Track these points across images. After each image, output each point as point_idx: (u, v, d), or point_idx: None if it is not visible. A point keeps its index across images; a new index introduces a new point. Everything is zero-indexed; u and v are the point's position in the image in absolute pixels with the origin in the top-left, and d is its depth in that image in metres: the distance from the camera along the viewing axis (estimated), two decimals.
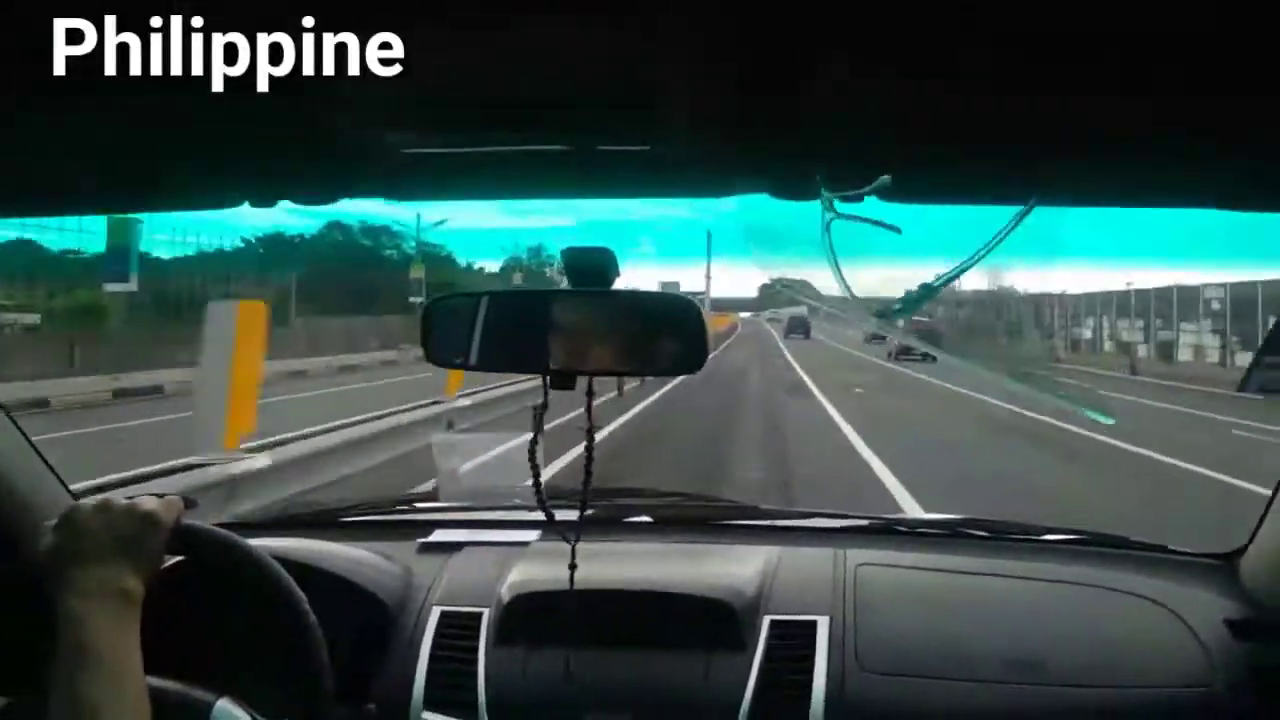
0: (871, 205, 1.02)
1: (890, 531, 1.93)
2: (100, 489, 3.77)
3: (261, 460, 5.22)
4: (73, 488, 1.66)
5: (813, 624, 1.55)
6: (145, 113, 0.94)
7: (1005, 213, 1.01)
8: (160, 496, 1.14)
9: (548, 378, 1.24)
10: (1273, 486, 1.57)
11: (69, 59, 0.82)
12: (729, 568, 1.70)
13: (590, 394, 1.30)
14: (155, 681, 1.20)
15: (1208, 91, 0.85)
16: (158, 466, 4.93)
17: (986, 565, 1.72)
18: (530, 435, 1.30)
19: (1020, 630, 1.56)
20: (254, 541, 1.26)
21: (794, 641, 1.53)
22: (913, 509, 8.04)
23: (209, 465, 4.86)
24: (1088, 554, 1.78)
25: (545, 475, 1.36)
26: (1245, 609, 1.54)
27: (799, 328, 50.54)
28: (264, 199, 1.19)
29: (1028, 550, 1.80)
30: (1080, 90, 0.85)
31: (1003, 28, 0.76)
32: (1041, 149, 1.00)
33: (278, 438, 5.88)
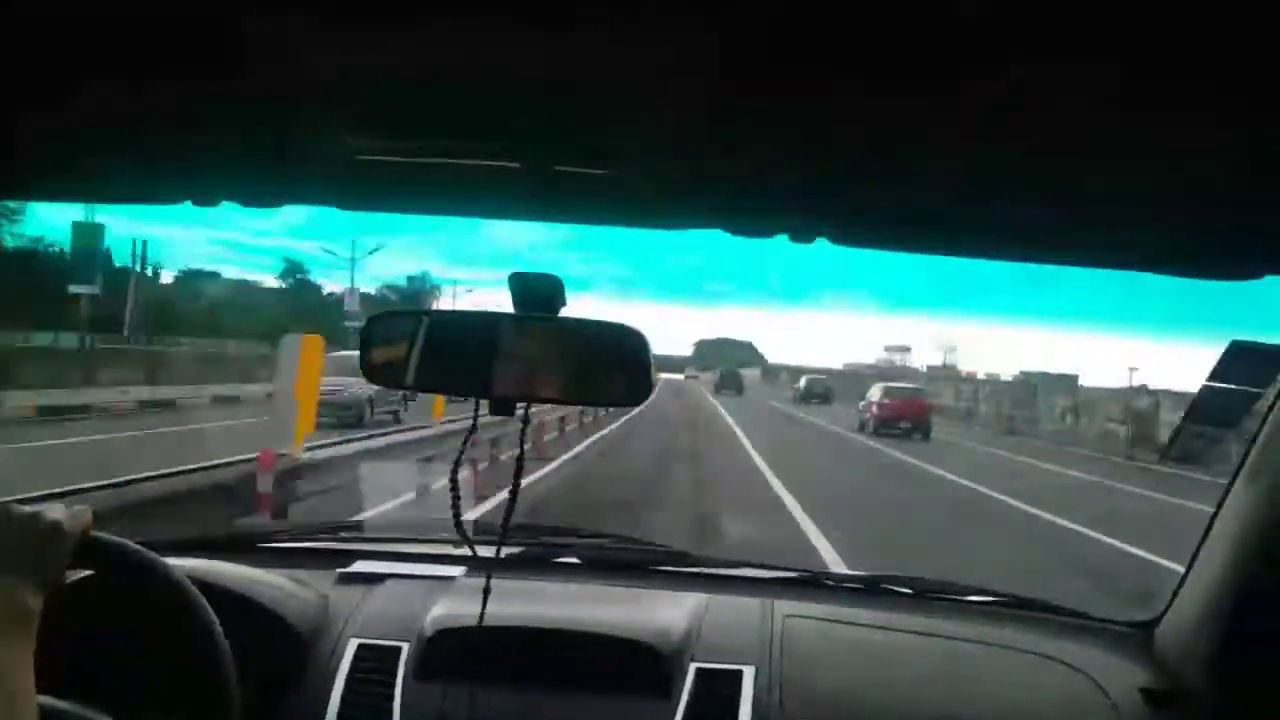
0: (823, 247, 1.03)
1: (817, 584, 1.93)
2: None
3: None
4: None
5: (739, 673, 1.54)
6: (90, 101, 0.91)
7: (957, 264, 1.03)
8: (68, 506, 1.08)
9: (482, 403, 1.22)
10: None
11: (18, 40, 0.79)
12: (656, 612, 1.67)
13: (525, 421, 1.28)
14: (50, 701, 1.14)
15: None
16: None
17: (909, 623, 1.72)
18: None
19: (940, 689, 1.57)
20: (169, 561, 1.21)
21: (719, 690, 1.51)
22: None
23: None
24: (1009, 616, 1.80)
25: (487, 507, 1.33)
26: (1160, 678, 1.56)
27: (730, 383, 49.75)
28: (206, 197, 1.15)
29: (950, 609, 1.82)
30: (1047, 150, 0.87)
31: (975, 74, 0.77)
32: (997, 204, 1.02)
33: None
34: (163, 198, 1.20)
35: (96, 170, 1.13)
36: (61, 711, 1.13)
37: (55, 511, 1.02)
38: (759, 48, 0.76)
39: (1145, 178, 0.93)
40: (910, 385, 31.18)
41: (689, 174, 1.01)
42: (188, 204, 1.14)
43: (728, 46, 0.75)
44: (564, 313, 1.18)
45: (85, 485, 5.22)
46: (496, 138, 0.94)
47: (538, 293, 1.17)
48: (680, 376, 61.85)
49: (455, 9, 0.73)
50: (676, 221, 1.15)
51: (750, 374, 62.77)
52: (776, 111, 0.85)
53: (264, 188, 1.14)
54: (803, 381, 46.09)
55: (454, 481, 1.28)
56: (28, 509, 1.00)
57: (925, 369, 58.91)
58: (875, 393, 27.05)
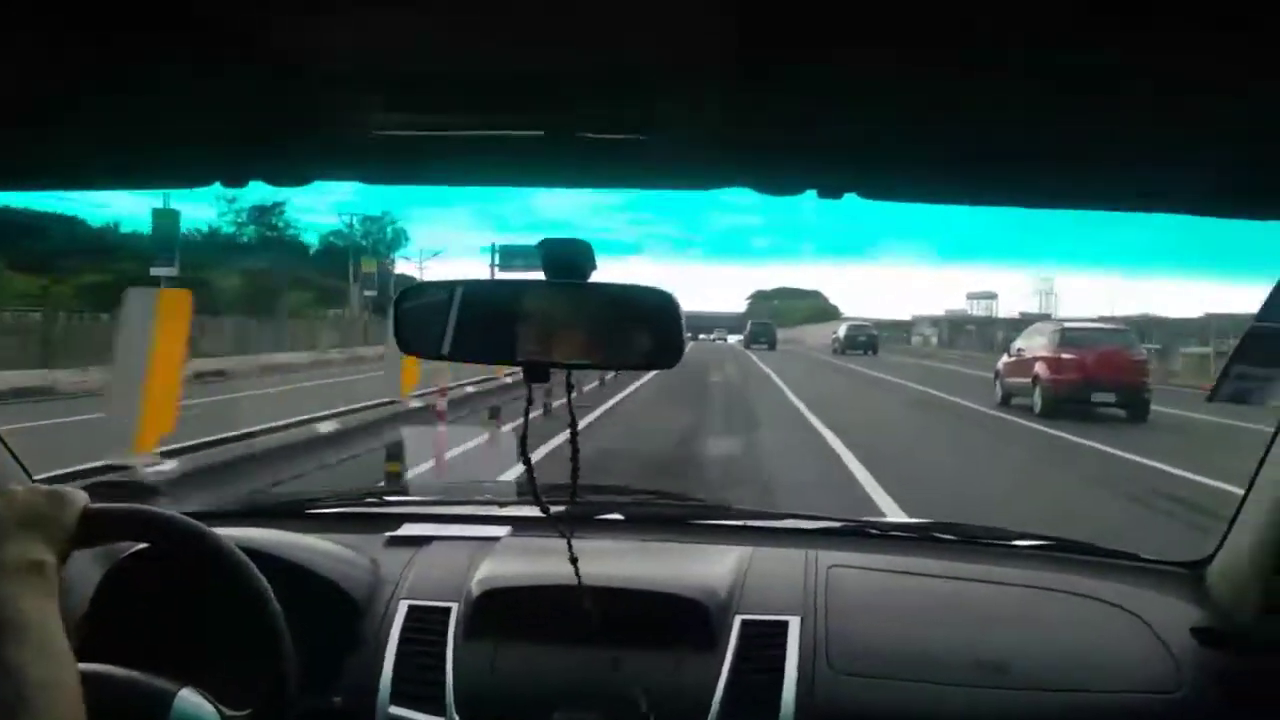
0: (851, 202, 1.01)
1: (862, 534, 1.93)
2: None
3: (170, 465, 4.46)
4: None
5: (784, 624, 1.55)
6: (116, 90, 0.92)
7: (991, 214, 1.02)
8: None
9: (524, 370, 1.23)
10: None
11: (40, 35, 0.79)
12: (701, 567, 1.69)
13: (570, 386, 1.28)
14: (117, 671, 1.18)
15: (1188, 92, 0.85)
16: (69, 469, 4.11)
17: (956, 569, 1.72)
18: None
19: (988, 634, 1.57)
20: (220, 530, 1.24)
21: (765, 641, 1.53)
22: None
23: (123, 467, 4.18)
24: (1057, 560, 1.79)
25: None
26: (1211, 617, 1.55)
27: (761, 336, 45.72)
28: (236, 179, 1.16)
29: (997, 555, 1.81)
30: (1077, 91, 0.85)
31: (1002, 27, 0.75)
32: (1032, 153, 1.00)
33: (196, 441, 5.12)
34: (193, 180, 1.21)
35: (129, 156, 1.14)
36: (130, 680, 1.17)
37: (55, 487, 1.09)
38: (783, 4, 0.74)
39: (1193, 119, 0.90)
40: (1104, 326, 18.21)
41: (713, 136, 1.00)
42: (217, 184, 1.15)
43: (745, 4, 0.74)
44: (602, 276, 1.17)
45: None
46: (518, 108, 0.93)
47: (568, 258, 1.17)
48: (710, 337, 55.86)
49: None
50: (702, 182, 1.14)
51: (818, 330, 54.00)
52: (800, 68, 0.83)
53: (290, 166, 1.14)
54: (842, 329, 40.96)
55: (523, 446, 1.29)
56: (23, 487, 1.06)
57: (1020, 315, 47.60)
58: (1037, 340, 15.73)
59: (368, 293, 38.33)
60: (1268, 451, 1.49)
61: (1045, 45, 0.78)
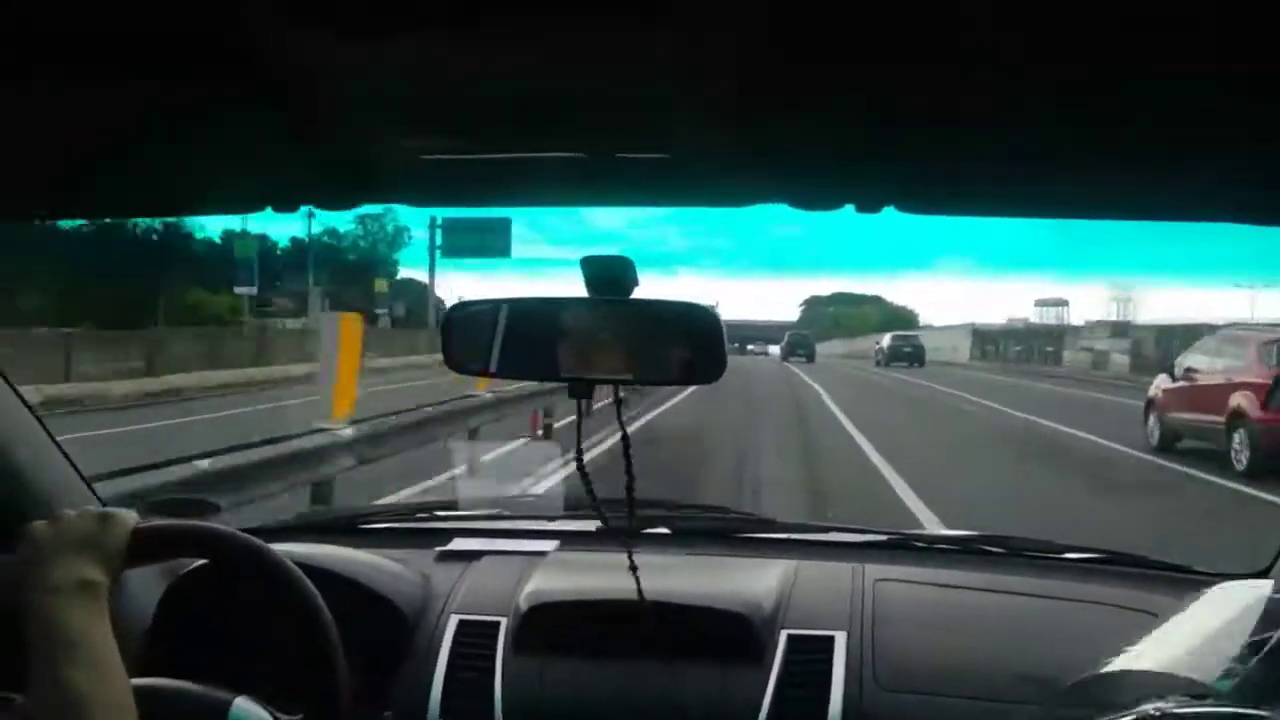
0: (890, 215, 1.02)
1: (908, 547, 1.92)
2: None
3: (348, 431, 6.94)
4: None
5: (830, 639, 1.54)
6: (168, 118, 0.96)
7: (1024, 226, 1.01)
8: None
9: (570, 387, 1.25)
10: None
11: (96, 65, 0.83)
12: (746, 581, 1.69)
13: (619, 401, 1.30)
14: (174, 684, 1.22)
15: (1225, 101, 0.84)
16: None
17: (1004, 583, 1.70)
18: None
19: (1038, 650, 1.55)
20: (275, 546, 1.28)
21: (811, 656, 1.52)
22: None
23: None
24: (1107, 573, 1.76)
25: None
26: (1269, 629, 1.52)
27: (800, 347, 42.37)
28: (286, 203, 1.20)
29: (1046, 568, 1.79)
30: (1118, 100, 0.85)
31: (1035, 35, 0.76)
32: (1067, 164, 1.00)
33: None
34: (246, 206, 1.26)
35: (184, 185, 1.19)
36: (186, 691, 1.21)
37: (102, 509, 1.13)
38: (813, 18, 0.75)
39: (1229, 130, 0.89)
40: None
41: (749, 153, 1.01)
42: (269, 210, 1.19)
43: (779, 20, 0.75)
44: (651, 289, 1.19)
45: None
46: (557, 130, 0.96)
47: (610, 275, 1.19)
48: (754, 350, 50.60)
49: (507, 10, 0.74)
50: (739, 199, 1.15)
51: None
52: (833, 84, 0.85)
53: (337, 192, 1.18)
54: (886, 340, 38.30)
55: (580, 461, 1.30)
56: (75, 512, 1.09)
57: (1023, 325, 47.13)
58: (1228, 358, 10.77)
59: (380, 310, 38.28)
60: None
61: (1075, 60, 0.78)
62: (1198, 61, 0.78)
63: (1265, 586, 1.60)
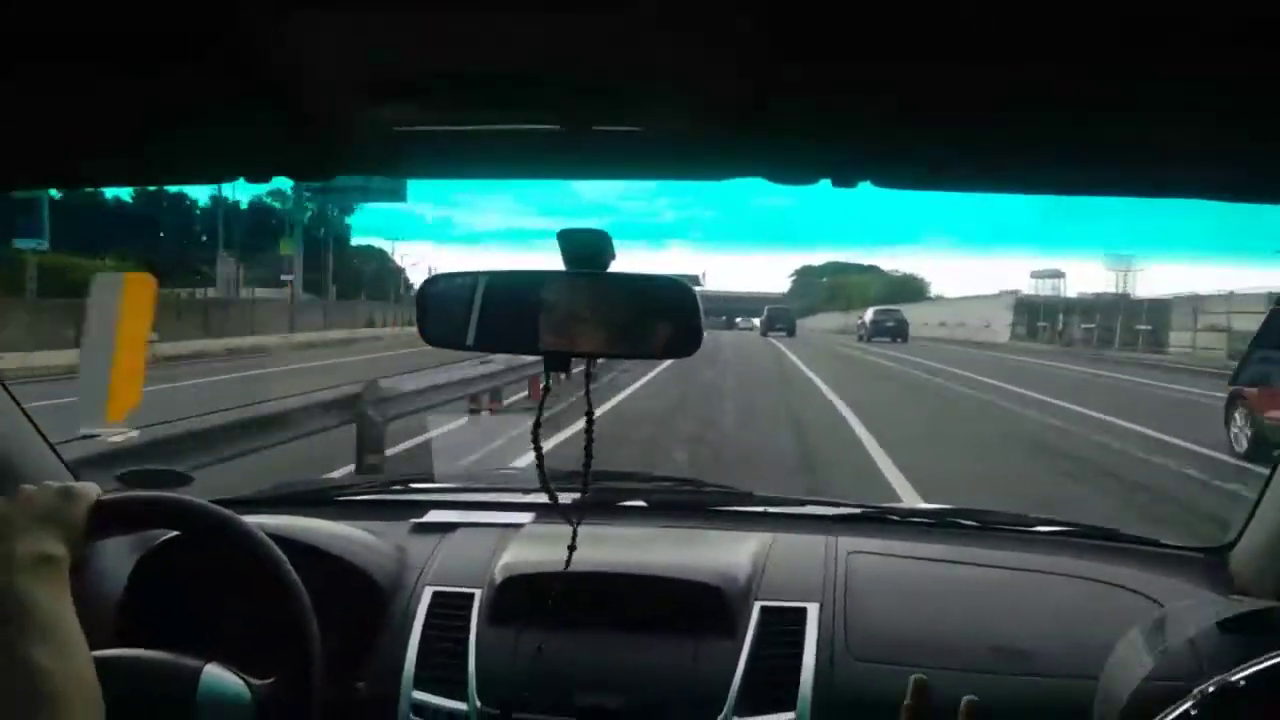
0: (866, 190, 1.02)
1: (881, 520, 1.94)
2: None
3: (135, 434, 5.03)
4: None
5: (803, 610, 1.56)
6: (142, 88, 0.94)
7: (1006, 201, 1.02)
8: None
9: (544, 360, 1.24)
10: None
11: (66, 34, 0.81)
12: (721, 553, 1.70)
13: (589, 375, 1.30)
14: (144, 654, 1.22)
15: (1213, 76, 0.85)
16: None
17: (976, 555, 1.72)
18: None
19: (1008, 621, 1.57)
20: (248, 518, 1.27)
21: (784, 627, 1.54)
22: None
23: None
24: (1077, 546, 1.79)
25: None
26: (1233, 603, 1.54)
27: (779, 321, 42.11)
28: (257, 174, 1.19)
29: (1017, 541, 1.81)
30: (1090, 77, 0.85)
31: (1008, 14, 0.75)
32: (1051, 138, 0.99)
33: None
34: (214, 175, 1.24)
35: (153, 154, 1.17)
36: (156, 660, 1.21)
37: (64, 484, 1.12)
38: None
39: (1207, 104, 0.90)
40: None
41: (727, 127, 1.00)
42: (241, 180, 1.18)
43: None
44: (636, 262, 1.18)
45: None
46: (534, 102, 0.94)
47: (587, 249, 1.19)
48: (742, 324, 49.99)
49: None
50: (717, 172, 1.15)
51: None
52: (811, 58, 0.84)
53: (309, 162, 1.16)
54: (869, 315, 37.47)
55: (535, 434, 1.31)
56: (37, 486, 1.09)
57: (1094, 296, 37.81)
58: None
59: (285, 277, 34.43)
60: None
61: (1048, 39, 0.78)
62: (1174, 43, 0.78)
63: (1229, 561, 1.63)
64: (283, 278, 34.89)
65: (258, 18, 0.79)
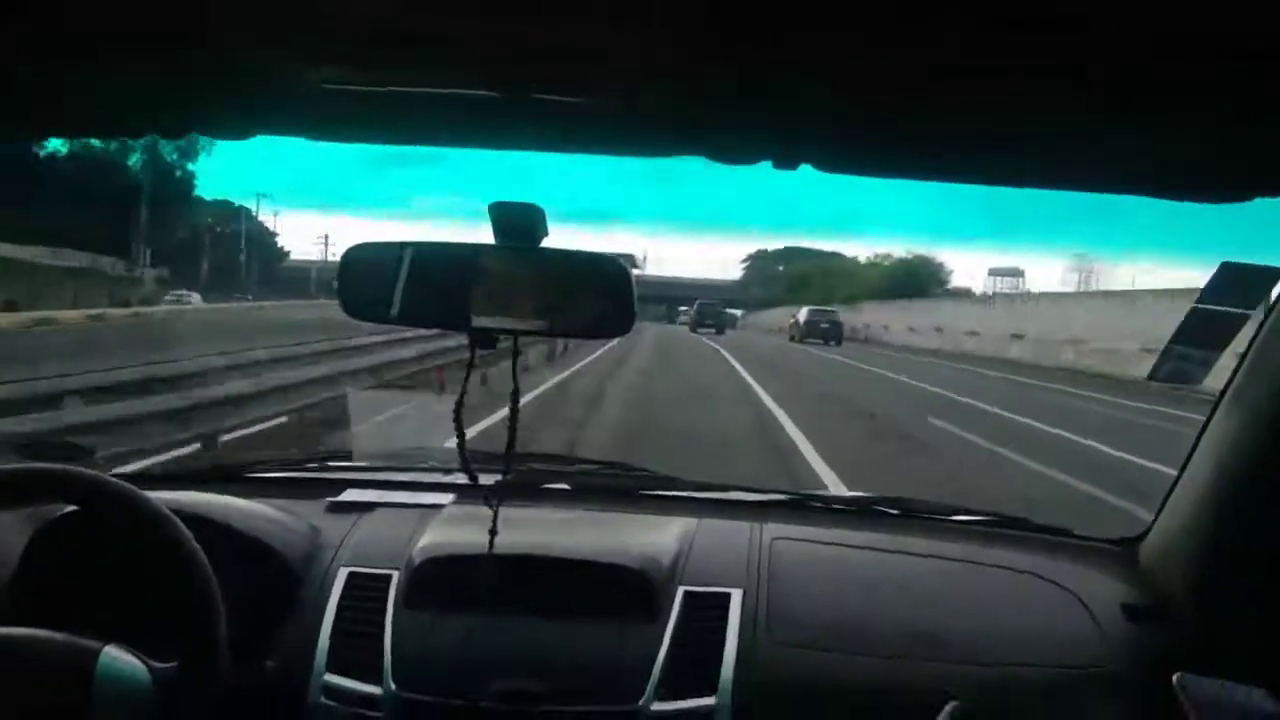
0: (806, 173, 1.01)
1: (805, 506, 1.95)
2: None
3: None
4: None
5: (726, 596, 1.56)
6: (50, 33, 0.88)
7: (951, 191, 1.01)
8: None
9: (471, 336, 1.21)
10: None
11: None
12: (645, 537, 1.69)
13: (516, 353, 1.27)
14: (39, 634, 1.16)
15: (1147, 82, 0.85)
16: None
17: (897, 543, 1.74)
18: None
19: (926, 608, 1.59)
20: (153, 494, 1.22)
21: (707, 612, 1.53)
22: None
23: None
24: (993, 535, 1.82)
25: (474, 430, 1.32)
26: (1142, 594, 1.59)
27: (709, 318, 38.09)
28: (172, 130, 1.13)
29: (936, 529, 1.84)
30: (1031, 74, 0.85)
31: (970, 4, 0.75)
32: (993, 128, 1.00)
33: None
34: (126, 130, 1.17)
35: (63, 105, 1.09)
36: (52, 640, 1.15)
37: None
38: None
39: (1133, 102, 0.91)
40: None
41: (667, 103, 0.98)
42: (155, 137, 1.11)
43: None
44: (559, 242, 1.16)
45: None
46: (471, 66, 0.91)
47: (519, 222, 1.15)
48: (683, 313, 43.79)
49: None
50: (657, 149, 1.13)
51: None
52: (755, 38, 0.82)
53: (230, 120, 1.11)
54: (803, 314, 34.37)
55: (458, 413, 1.27)
56: None
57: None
58: None
59: None
60: (1202, 431, 1.52)
61: (994, 29, 0.78)
62: (1115, 41, 0.78)
63: (1139, 553, 1.68)
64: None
65: None
